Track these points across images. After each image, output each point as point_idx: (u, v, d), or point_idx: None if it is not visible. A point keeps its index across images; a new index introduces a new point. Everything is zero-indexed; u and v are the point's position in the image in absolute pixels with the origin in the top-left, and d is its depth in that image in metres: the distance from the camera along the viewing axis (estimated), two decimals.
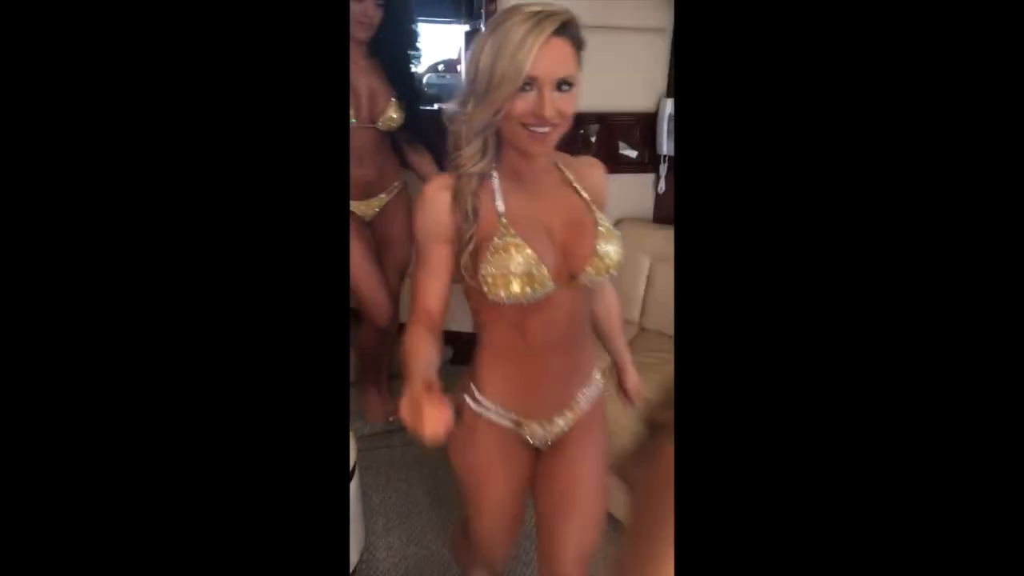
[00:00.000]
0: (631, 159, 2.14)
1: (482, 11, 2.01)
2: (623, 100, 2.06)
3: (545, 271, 0.86)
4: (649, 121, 2.10)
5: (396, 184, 1.88)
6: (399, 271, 1.94)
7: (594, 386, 1.04)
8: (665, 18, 1.99)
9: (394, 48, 1.70)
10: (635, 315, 1.98)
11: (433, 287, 0.88)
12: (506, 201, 0.87)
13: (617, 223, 2.12)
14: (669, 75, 2.06)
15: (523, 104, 0.79)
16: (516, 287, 0.84)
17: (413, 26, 1.75)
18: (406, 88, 1.74)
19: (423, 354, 0.81)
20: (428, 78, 3.71)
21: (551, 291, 0.87)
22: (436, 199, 0.86)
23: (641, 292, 1.97)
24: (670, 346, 1.84)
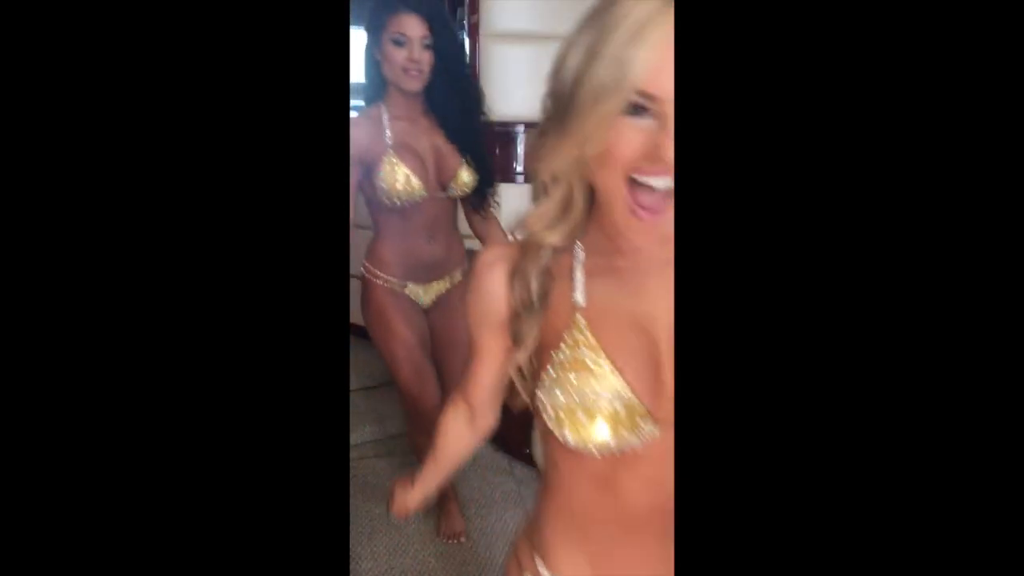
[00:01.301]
0: None
1: (464, 22, 2.02)
2: None
3: (638, 406, 0.52)
4: None
5: (460, 268, 1.56)
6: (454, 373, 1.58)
7: None
8: None
9: (452, 96, 1.39)
10: None
11: (483, 377, 0.66)
12: (589, 288, 0.55)
13: None
14: None
15: (632, 137, 0.45)
16: (591, 431, 0.52)
17: (468, 66, 1.46)
18: (473, 143, 1.43)
19: (446, 451, 0.75)
20: None
21: (655, 437, 0.53)
22: (489, 274, 0.59)
23: None
24: None
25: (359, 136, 1.36)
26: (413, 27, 1.29)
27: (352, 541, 1.66)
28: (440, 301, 1.54)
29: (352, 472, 1.89)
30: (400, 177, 1.36)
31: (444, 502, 1.72)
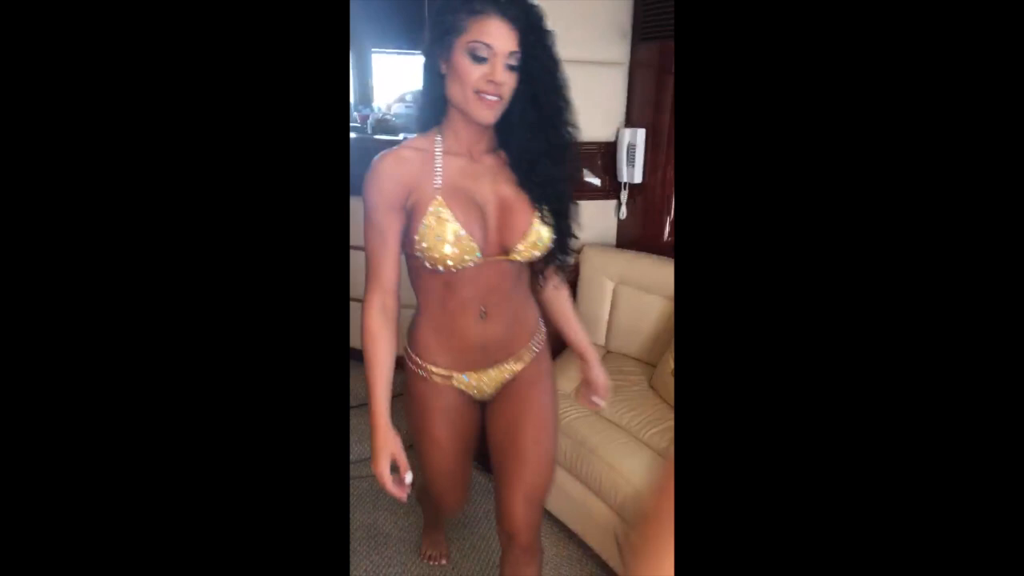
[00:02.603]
0: (595, 186, 2.19)
1: None
2: (585, 130, 2.12)
3: None
4: (609, 150, 2.16)
5: (534, 345, 1.16)
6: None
7: None
8: (622, 53, 2.08)
9: (536, 134, 0.99)
10: (600, 338, 2.01)
11: None
12: None
13: (581, 248, 2.16)
14: (628, 106, 2.14)
15: None
16: None
17: (564, 96, 1.00)
18: (554, 193, 1.03)
19: None
20: (395, 108, 3.76)
21: None
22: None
23: (606, 315, 2.00)
24: (635, 367, 1.87)
25: (401, 173, 0.98)
26: (502, 38, 0.91)
27: None
28: (503, 391, 1.16)
29: None
30: (448, 235, 0.97)
31: (431, 523, 1.69)
